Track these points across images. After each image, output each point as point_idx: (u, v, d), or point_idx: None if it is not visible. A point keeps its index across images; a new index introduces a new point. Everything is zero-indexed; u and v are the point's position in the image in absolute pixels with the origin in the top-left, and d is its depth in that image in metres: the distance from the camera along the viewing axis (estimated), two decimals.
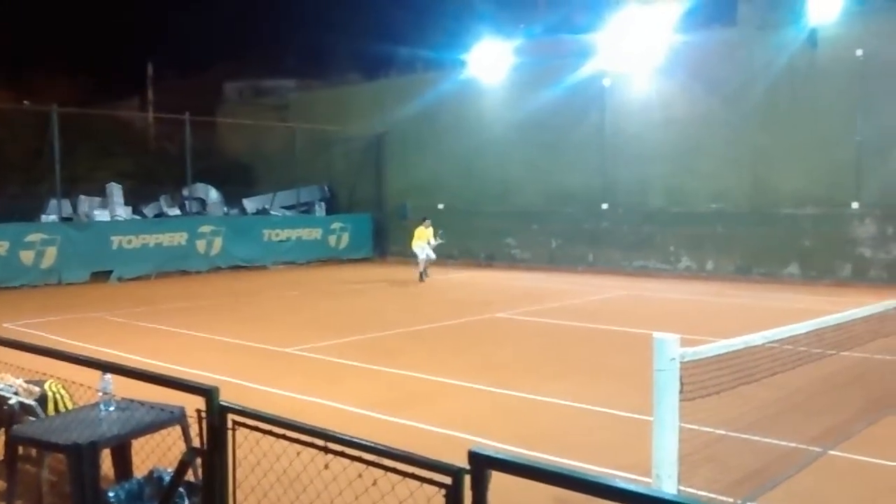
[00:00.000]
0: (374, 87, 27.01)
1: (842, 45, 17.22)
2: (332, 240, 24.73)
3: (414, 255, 19.72)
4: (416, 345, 10.90)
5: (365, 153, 26.45)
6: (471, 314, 13.59)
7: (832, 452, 5.94)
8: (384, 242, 26.01)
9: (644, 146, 20.17)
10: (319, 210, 26.14)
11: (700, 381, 4.42)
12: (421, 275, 19.27)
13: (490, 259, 23.29)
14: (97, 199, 22.56)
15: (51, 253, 18.54)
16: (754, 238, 18.54)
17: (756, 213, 18.50)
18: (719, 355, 4.69)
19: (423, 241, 19.51)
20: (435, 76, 24.56)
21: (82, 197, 22.42)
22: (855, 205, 17.22)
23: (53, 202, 20.48)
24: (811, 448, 5.98)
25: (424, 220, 20.18)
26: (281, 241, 23.37)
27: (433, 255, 19.57)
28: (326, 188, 27.24)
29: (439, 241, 19.75)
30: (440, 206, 24.46)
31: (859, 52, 16.97)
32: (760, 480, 5.30)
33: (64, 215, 20.46)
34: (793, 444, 6.01)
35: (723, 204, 19.06)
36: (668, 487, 4.12)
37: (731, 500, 4.80)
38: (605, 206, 21.07)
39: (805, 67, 17.71)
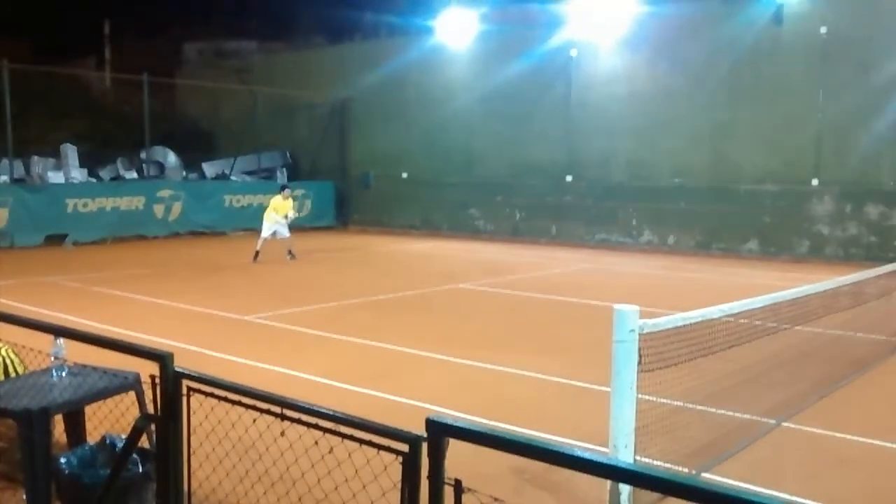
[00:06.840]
0: (338, 52, 26.59)
1: (806, 22, 17.36)
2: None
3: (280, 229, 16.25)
4: (378, 315, 10.85)
5: (328, 120, 26.09)
6: (433, 285, 13.57)
7: (786, 424, 6.07)
8: (346, 211, 25.84)
9: (608, 119, 20.21)
10: (281, 176, 25.76)
11: (658, 353, 4.45)
12: (257, 254, 15.91)
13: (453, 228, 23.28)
14: (51, 161, 21.95)
15: (2, 215, 18.04)
16: (715, 214, 18.76)
17: (717, 189, 18.71)
18: (678, 328, 4.73)
19: (280, 214, 16.21)
20: (401, 42, 24.25)
21: (35, 158, 21.79)
22: (815, 182, 17.50)
23: (5, 162, 19.86)
24: (765, 420, 6.10)
25: (284, 188, 17.13)
26: (242, 206, 23.03)
27: (287, 234, 16.34)
28: (288, 154, 26.86)
29: (293, 217, 16.83)
30: (404, 175, 24.35)
31: (823, 30, 17.14)
32: (715, 451, 5.39)
33: (16, 176, 19.88)
34: (747, 416, 6.13)
35: (684, 179, 19.23)
36: (625, 457, 4.16)
37: (686, 470, 4.88)
38: (569, 178, 21.13)
39: (769, 44, 17.84)
